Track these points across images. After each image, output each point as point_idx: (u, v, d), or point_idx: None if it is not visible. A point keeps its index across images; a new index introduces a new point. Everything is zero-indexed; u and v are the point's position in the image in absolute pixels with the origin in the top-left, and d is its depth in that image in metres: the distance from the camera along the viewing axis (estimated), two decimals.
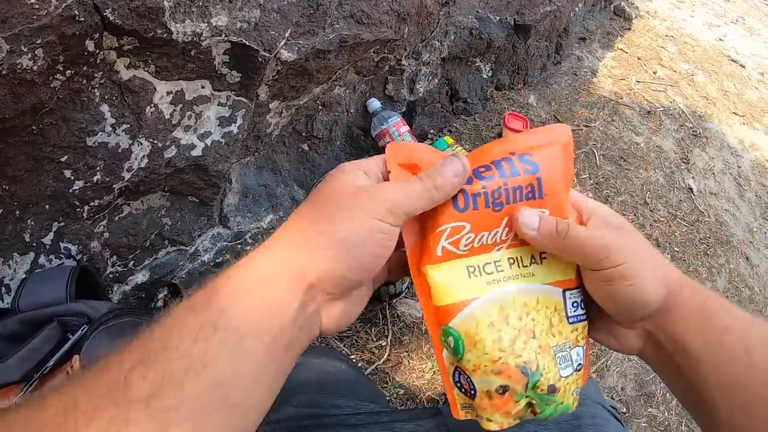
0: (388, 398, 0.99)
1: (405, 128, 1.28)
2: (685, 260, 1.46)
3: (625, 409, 1.06)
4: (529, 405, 0.35)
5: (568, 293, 0.37)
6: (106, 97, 0.71)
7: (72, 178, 0.74)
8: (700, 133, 1.85)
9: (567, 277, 0.37)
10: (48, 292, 0.69)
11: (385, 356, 1.03)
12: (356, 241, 0.30)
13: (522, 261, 0.36)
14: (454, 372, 0.36)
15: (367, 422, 0.70)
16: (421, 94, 1.41)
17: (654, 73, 2.09)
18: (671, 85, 2.04)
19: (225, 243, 1.09)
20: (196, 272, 1.05)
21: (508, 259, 0.36)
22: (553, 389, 0.34)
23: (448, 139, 1.40)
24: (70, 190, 0.75)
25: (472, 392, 0.35)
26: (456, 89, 1.54)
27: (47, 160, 0.70)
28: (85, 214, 0.81)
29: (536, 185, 0.35)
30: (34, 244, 0.78)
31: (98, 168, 0.76)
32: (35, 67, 0.59)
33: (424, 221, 0.35)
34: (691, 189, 1.61)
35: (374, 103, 1.26)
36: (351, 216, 0.30)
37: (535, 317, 0.35)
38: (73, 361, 0.65)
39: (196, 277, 1.05)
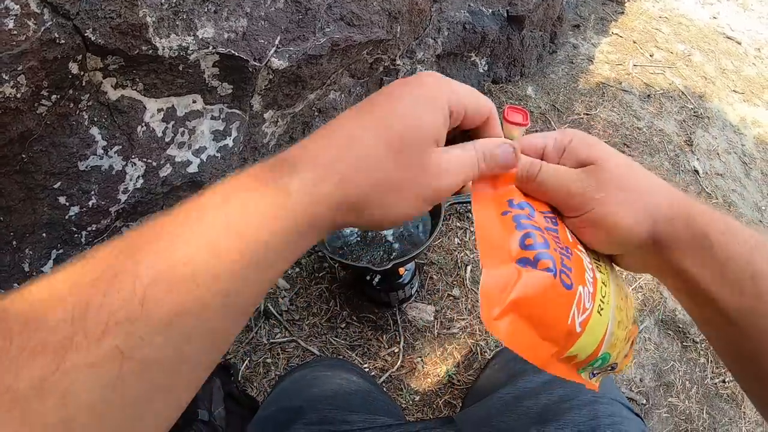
0: (404, 406, 0.97)
1: None
2: None
3: (644, 401, 1.03)
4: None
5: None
6: (95, 119, 0.69)
7: (67, 204, 0.72)
8: (701, 113, 1.82)
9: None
10: None
11: (399, 363, 1.01)
12: (397, 218, 0.30)
13: (598, 260, 0.37)
14: (591, 375, 0.38)
15: None
16: None
17: (651, 55, 2.06)
18: (669, 67, 2.01)
19: None
20: None
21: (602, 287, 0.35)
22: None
23: None
24: (66, 217, 0.74)
25: (613, 367, 0.37)
26: None
27: (40, 188, 0.69)
28: (83, 240, 0.79)
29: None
30: (34, 274, 0.77)
31: (93, 192, 0.74)
32: (19, 95, 0.57)
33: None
34: (696, 171, 1.58)
35: None
36: (404, 197, 0.29)
37: (621, 284, 0.38)
38: None
39: None
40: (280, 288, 1.14)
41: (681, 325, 1.16)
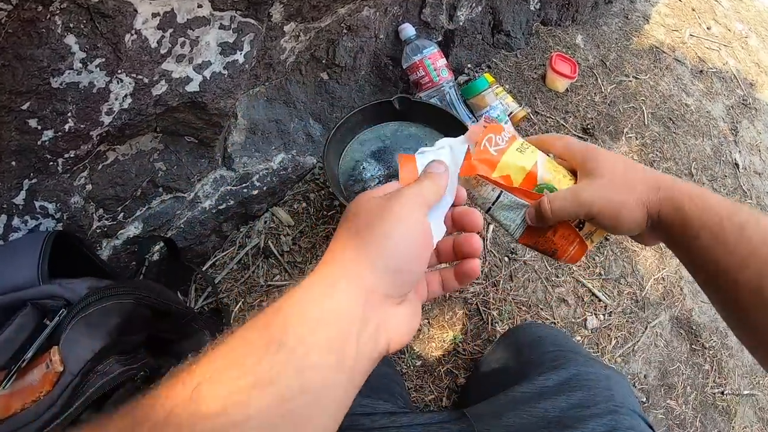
0: (404, 371, 0.92)
1: (442, 61, 1.10)
2: None
3: (645, 399, 1.01)
4: None
5: None
6: (71, 25, 0.54)
7: (39, 128, 0.58)
8: (750, 103, 1.67)
9: None
10: (16, 273, 0.56)
11: None
12: (408, 238, 0.32)
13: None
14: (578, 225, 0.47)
15: (383, 424, 0.64)
16: (461, 23, 1.21)
17: (708, 28, 1.86)
18: (725, 45, 1.82)
19: (229, 187, 0.95)
20: (196, 221, 0.92)
21: (522, 143, 0.47)
22: None
23: (488, 77, 1.23)
24: (39, 143, 0.60)
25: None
26: (500, 20, 1.32)
27: (5, 110, 0.54)
28: (60, 168, 0.66)
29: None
30: (5, 206, 0.64)
31: (69, 114, 0.60)
32: None
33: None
34: (737, 164, 1.47)
35: (408, 30, 1.06)
36: (398, 217, 0.33)
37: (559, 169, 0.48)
38: (52, 353, 0.55)
39: (196, 226, 0.93)
40: (283, 223, 1.04)
41: (694, 327, 1.12)
